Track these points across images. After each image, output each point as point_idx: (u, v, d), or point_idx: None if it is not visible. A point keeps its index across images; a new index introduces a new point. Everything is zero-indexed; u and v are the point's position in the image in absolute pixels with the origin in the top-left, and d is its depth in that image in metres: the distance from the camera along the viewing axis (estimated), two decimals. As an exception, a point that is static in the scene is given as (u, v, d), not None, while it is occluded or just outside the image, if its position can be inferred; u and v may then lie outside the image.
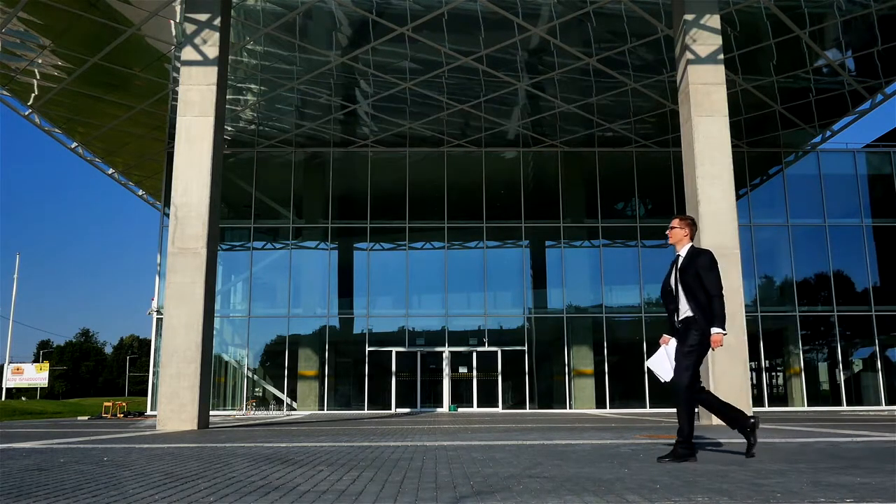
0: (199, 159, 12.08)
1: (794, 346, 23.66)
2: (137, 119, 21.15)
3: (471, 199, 24.05)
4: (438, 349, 23.35)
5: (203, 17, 12.52)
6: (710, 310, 5.10)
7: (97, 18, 15.66)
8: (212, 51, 12.42)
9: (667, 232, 5.50)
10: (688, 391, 5.08)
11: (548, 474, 4.23)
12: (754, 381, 23.35)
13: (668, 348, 5.39)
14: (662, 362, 5.37)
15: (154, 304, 23.37)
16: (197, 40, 12.45)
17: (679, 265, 5.33)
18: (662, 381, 5.39)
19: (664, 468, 4.56)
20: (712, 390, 11.79)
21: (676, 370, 5.14)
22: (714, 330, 5.06)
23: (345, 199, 24.89)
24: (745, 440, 5.23)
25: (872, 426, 10.30)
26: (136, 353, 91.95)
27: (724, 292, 5.17)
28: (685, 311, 5.22)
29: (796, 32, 16.70)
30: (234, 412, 22.52)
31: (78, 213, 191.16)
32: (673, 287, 5.35)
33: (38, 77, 18.49)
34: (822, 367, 24.57)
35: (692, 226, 5.46)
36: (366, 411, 22.43)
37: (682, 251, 5.39)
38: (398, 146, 23.94)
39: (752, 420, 5.21)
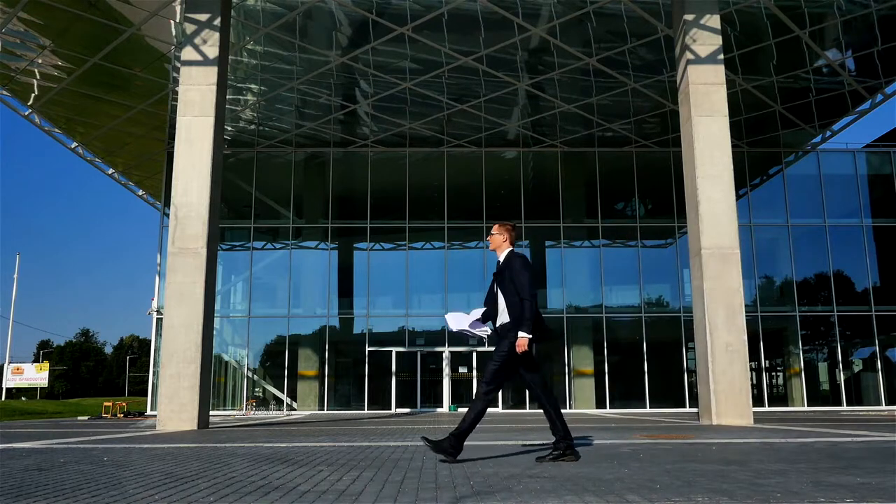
0: (199, 159, 12.08)
1: (794, 346, 23.66)
2: (137, 119, 21.14)
3: (471, 199, 24.04)
4: (438, 349, 23.35)
5: (203, 17, 12.52)
6: (520, 313, 5.04)
7: (97, 18, 15.66)
8: (212, 51, 12.42)
9: (488, 238, 5.46)
10: (490, 397, 5.07)
11: (548, 474, 4.23)
12: (754, 381, 23.35)
13: (472, 316, 5.31)
14: (460, 319, 5.36)
15: (154, 304, 23.37)
16: (197, 40, 12.45)
17: (498, 268, 5.30)
18: (449, 328, 5.37)
19: (664, 468, 4.56)
20: (712, 391, 11.81)
21: (492, 368, 5.11)
22: (520, 333, 4.99)
23: (345, 199, 24.89)
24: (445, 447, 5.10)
25: (872, 426, 10.30)
26: (136, 353, 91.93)
27: (535, 298, 5.10)
28: (503, 317, 5.18)
29: (796, 32, 16.70)
30: (234, 412, 22.52)
31: (78, 213, 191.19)
32: (494, 293, 5.31)
33: (38, 77, 18.49)
34: (822, 367, 24.57)
35: (512, 231, 5.41)
36: (366, 411, 22.43)
37: (501, 256, 5.35)
38: (398, 146, 23.94)
39: (566, 453, 5.12)
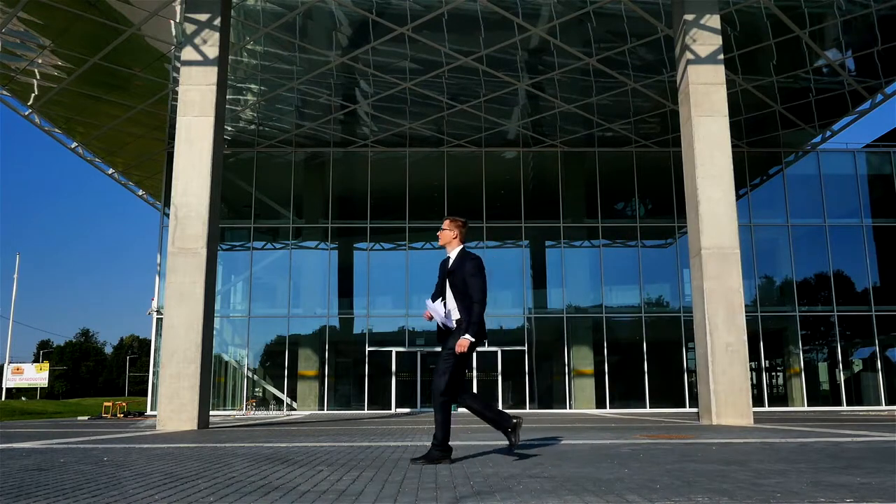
0: (199, 159, 12.08)
1: (794, 346, 23.66)
2: (137, 119, 21.14)
3: (471, 199, 24.04)
4: (438, 349, 23.26)
5: (203, 17, 12.52)
6: (468, 316, 5.00)
7: (97, 18, 15.66)
8: (212, 51, 12.42)
9: (438, 233, 5.33)
10: (443, 396, 5.00)
11: (548, 474, 4.23)
12: (754, 381, 23.35)
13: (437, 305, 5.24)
14: (437, 308, 5.30)
15: (154, 304, 23.37)
16: (197, 40, 12.45)
17: (448, 268, 5.19)
18: (428, 314, 5.28)
19: (664, 468, 4.56)
20: (712, 391, 11.81)
21: (435, 375, 5.07)
22: (465, 336, 4.95)
23: (345, 199, 24.89)
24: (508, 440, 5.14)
25: (872, 426, 10.30)
26: (136, 353, 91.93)
27: (485, 300, 5.06)
28: (452, 314, 5.13)
29: (796, 32, 16.70)
30: (234, 412, 22.52)
31: (78, 213, 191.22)
32: (443, 289, 5.22)
33: (38, 77, 18.49)
34: (822, 367, 24.57)
35: (462, 227, 5.30)
36: (366, 411, 22.43)
37: (452, 254, 5.24)
38: (398, 146, 23.94)
39: (515, 421, 5.15)
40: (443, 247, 5.36)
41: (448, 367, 5.01)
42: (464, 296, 5.07)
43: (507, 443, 5.64)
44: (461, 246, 5.27)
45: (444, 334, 5.16)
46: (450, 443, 5.09)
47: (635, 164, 24.17)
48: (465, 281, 5.06)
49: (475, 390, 23.13)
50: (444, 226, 5.29)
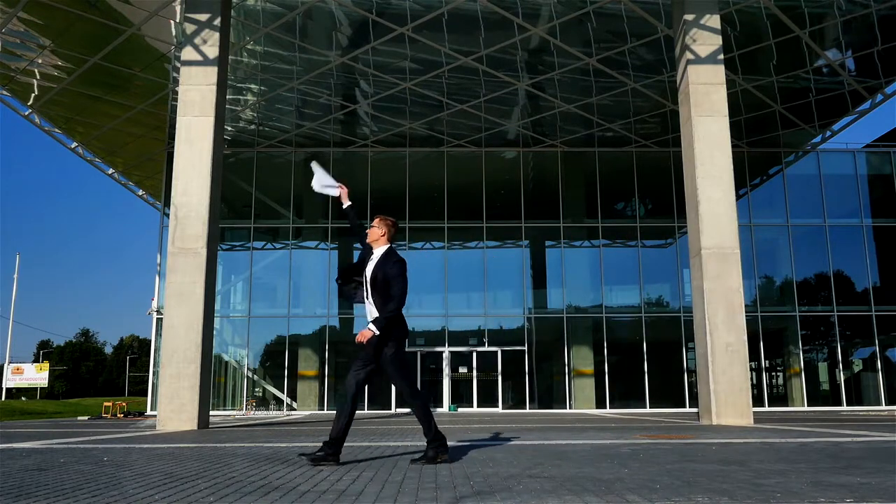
0: (199, 159, 12.07)
1: (794, 346, 23.66)
2: (137, 119, 21.15)
3: (471, 199, 24.04)
4: (438, 349, 23.35)
5: (203, 17, 12.52)
6: (382, 311, 5.03)
7: (97, 18, 15.66)
8: (212, 51, 12.42)
9: (367, 230, 5.34)
10: (412, 399, 5.06)
11: (548, 474, 4.23)
12: (754, 381, 23.35)
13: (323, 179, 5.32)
14: (323, 178, 5.33)
15: (154, 304, 23.37)
16: (197, 40, 12.45)
17: (373, 265, 5.20)
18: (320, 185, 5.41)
19: (664, 468, 4.56)
20: (712, 391, 11.80)
21: (397, 380, 5.09)
22: (370, 325, 5.00)
23: (345, 199, 24.85)
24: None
25: (872, 426, 10.30)
26: (136, 353, 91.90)
27: (403, 299, 5.09)
28: (372, 311, 5.16)
29: (796, 32, 16.70)
30: (234, 412, 22.52)
31: (78, 213, 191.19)
32: (364, 284, 5.25)
33: (38, 77, 18.49)
34: (822, 367, 24.57)
35: (391, 227, 5.30)
36: (366, 411, 22.42)
37: (378, 251, 5.24)
38: (398, 146, 23.94)
39: (331, 451, 4.91)
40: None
41: (395, 371, 5.06)
42: (384, 295, 5.09)
43: (507, 442, 5.64)
44: (388, 245, 5.28)
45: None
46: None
47: (635, 164, 24.17)
48: (386, 281, 5.08)
49: (475, 390, 23.18)
50: (373, 223, 5.30)
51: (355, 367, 5.11)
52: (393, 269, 5.10)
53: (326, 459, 4.87)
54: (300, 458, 5.06)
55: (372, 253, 5.27)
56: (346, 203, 5.74)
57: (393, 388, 22.95)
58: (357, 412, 22.75)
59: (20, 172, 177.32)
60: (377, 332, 5.00)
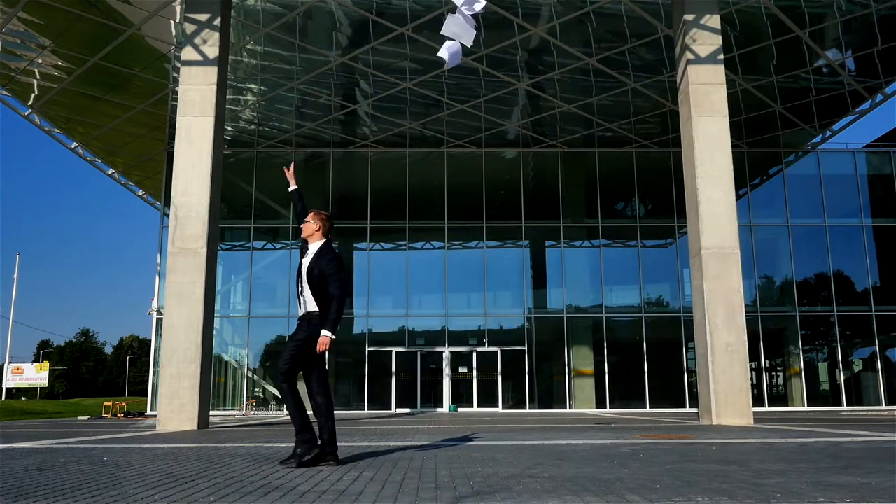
0: (199, 159, 12.08)
1: (794, 346, 23.66)
2: (137, 119, 21.14)
3: (471, 199, 24.04)
4: (438, 349, 23.35)
5: (203, 17, 12.52)
6: (328, 311, 4.97)
7: (97, 18, 15.66)
8: (212, 51, 12.42)
9: (301, 225, 5.29)
10: (286, 381, 4.93)
11: (548, 474, 4.23)
12: (754, 381, 23.35)
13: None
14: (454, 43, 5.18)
15: (154, 304, 23.37)
16: (197, 40, 12.45)
17: (309, 260, 5.14)
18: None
19: (664, 468, 4.56)
20: (712, 391, 11.81)
21: (280, 358, 5.03)
22: (324, 332, 4.90)
23: (345, 199, 24.88)
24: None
25: (872, 426, 10.30)
26: (136, 353, 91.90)
27: (345, 297, 5.02)
28: (308, 305, 5.08)
29: (796, 32, 16.70)
30: (233, 412, 22.52)
31: (78, 213, 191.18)
32: (299, 278, 5.19)
33: (38, 77, 18.49)
34: (822, 367, 24.56)
35: (326, 221, 5.25)
36: (366, 411, 22.42)
37: (313, 246, 5.20)
38: (398, 146, 23.93)
39: (310, 437, 4.92)
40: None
41: (291, 355, 4.97)
42: (320, 291, 5.03)
43: (507, 442, 5.63)
44: (323, 240, 5.23)
45: (299, 323, 5.12)
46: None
47: (635, 164, 24.17)
48: (322, 276, 5.03)
49: (475, 390, 23.18)
50: (308, 218, 5.27)
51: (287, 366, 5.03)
52: (329, 266, 5.05)
53: (322, 458, 4.86)
54: (283, 464, 4.93)
55: (307, 247, 5.23)
56: (293, 186, 5.72)
57: (393, 388, 23.04)
58: (357, 412, 22.67)
59: (20, 172, 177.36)
60: (334, 336, 4.95)
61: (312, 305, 5.06)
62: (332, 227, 5.33)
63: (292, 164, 5.95)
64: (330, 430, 4.99)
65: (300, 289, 5.15)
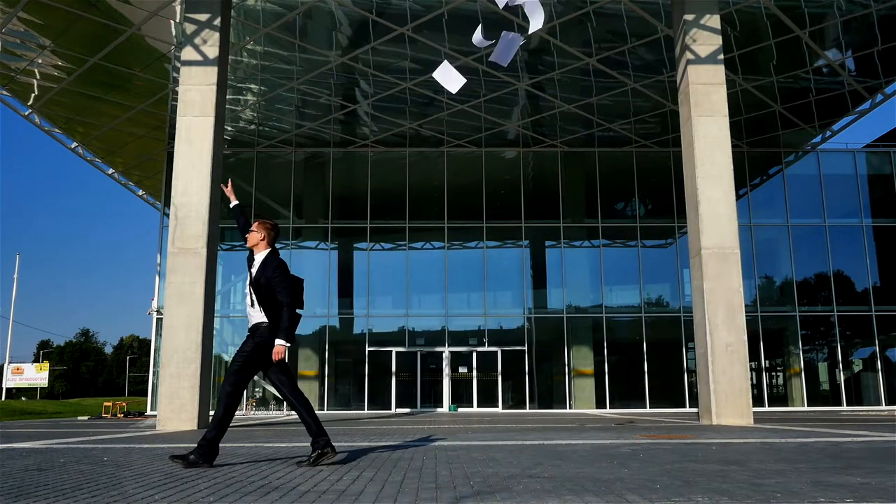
0: (199, 159, 12.08)
1: (794, 346, 23.65)
2: (137, 119, 21.14)
3: (471, 199, 24.04)
4: (438, 349, 23.35)
5: (203, 17, 12.52)
6: (278, 320, 4.93)
7: (97, 18, 15.66)
8: (212, 51, 12.43)
9: (246, 235, 5.29)
10: (228, 398, 4.90)
11: (548, 474, 4.23)
12: (754, 381, 23.34)
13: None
14: (447, 72, 5.22)
15: (154, 304, 23.37)
16: (197, 40, 12.45)
17: (255, 271, 5.12)
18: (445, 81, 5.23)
19: (663, 468, 4.56)
20: (712, 391, 11.81)
21: (226, 375, 4.99)
22: (277, 341, 4.89)
23: (345, 199, 24.88)
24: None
25: (872, 426, 10.30)
26: (136, 353, 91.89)
27: (294, 304, 5.01)
28: (255, 316, 5.06)
29: (796, 32, 16.70)
30: (234, 412, 22.49)
31: (78, 213, 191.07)
32: (248, 289, 5.17)
33: (38, 77, 18.49)
34: (822, 367, 24.56)
35: (271, 230, 5.24)
36: (366, 411, 22.42)
37: (258, 256, 5.19)
38: (398, 146, 23.94)
39: (204, 449, 4.89)
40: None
41: (236, 369, 4.95)
42: (268, 301, 5.01)
43: (507, 442, 5.63)
44: (269, 249, 5.21)
45: (250, 334, 5.09)
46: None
47: (635, 164, 24.17)
48: (269, 286, 5.01)
49: (475, 390, 23.19)
50: (252, 228, 5.26)
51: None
52: (275, 274, 5.03)
53: (325, 454, 4.86)
54: (300, 465, 4.93)
55: (254, 257, 5.21)
56: (234, 202, 5.74)
57: (393, 388, 23.04)
58: (357, 412, 22.67)
59: (20, 172, 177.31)
60: (289, 344, 4.95)
61: (260, 316, 5.03)
62: (277, 236, 5.30)
63: (230, 182, 5.98)
64: (311, 425, 4.97)
65: (249, 300, 5.12)
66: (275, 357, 4.90)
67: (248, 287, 5.17)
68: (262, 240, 5.22)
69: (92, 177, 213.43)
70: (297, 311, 5.14)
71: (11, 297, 51.42)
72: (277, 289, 5.00)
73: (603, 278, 23.81)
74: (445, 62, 5.49)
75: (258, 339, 4.98)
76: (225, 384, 4.99)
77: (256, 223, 5.27)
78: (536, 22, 5.28)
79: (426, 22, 16.00)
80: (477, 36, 5.35)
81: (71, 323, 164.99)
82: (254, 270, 5.13)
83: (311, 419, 4.98)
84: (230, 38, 14.07)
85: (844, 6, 16.07)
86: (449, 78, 5.30)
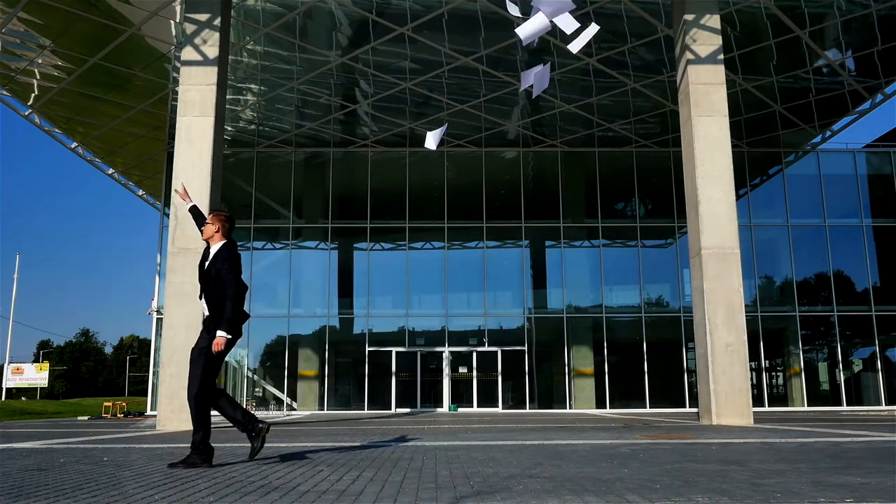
0: (199, 159, 12.08)
1: (794, 346, 23.65)
2: (137, 119, 21.14)
3: (471, 199, 24.04)
4: (438, 349, 23.35)
5: (203, 17, 12.52)
6: (222, 311, 4.85)
7: (97, 18, 15.66)
8: (212, 51, 12.42)
9: (202, 228, 5.20)
10: (197, 399, 4.82)
11: (548, 474, 4.23)
12: (754, 381, 23.34)
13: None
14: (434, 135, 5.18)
15: (154, 304, 23.36)
16: (197, 40, 12.45)
17: (208, 262, 5.04)
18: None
19: (663, 468, 4.56)
20: (711, 391, 11.80)
21: (189, 379, 4.89)
22: (218, 332, 4.78)
23: (345, 199, 24.89)
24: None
25: (872, 426, 10.30)
26: (136, 353, 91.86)
27: (239, 295, 4.90)
28: (207, 309, 4.99)
29: (796, 32, 16.70)
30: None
31: (78, 214, 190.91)
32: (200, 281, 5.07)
33: (38, 77, 18.49)
34: (822, 367, 24.56)
35: (226, 222, 5.16)
36: (366, 411, 22.42)
37: (213, 248, 5.09)
38: (398, 146, 23.94)
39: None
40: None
41: (200, 370, 4.84)
42: (216, 293, 4.92)
43: (507, 442, 5.63)
44: (224, 241, 5.14)
45: (205, 329, 5.02)
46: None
47: (635, 164, 24.17)
48: (219, 277, 4.92)
49: (475, 390, 23.19)
50: (208, 220, 5.19)
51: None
52: (224, 266, 4.95)
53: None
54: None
55: (209, 250, 5.12)
56: (190, 203, 5.71)
57: (393, 388, 23.04)
58: (357, 412, 22.67)
59: (20, 172, 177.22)
60: (230, 336, 4.85)
61: (207, 311, 4.96)
62: (232, 227, 5.22)
63: (181, 185, 5.97)
64: (238, 417, 4.99)
65: (199, 295, 5.04)
66: (214, 348, 4.77)
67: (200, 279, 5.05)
68: (217, 231, 5.13)
69: (92, 177, 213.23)
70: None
71: (11, 297, 51.42)
72: (225, 280, 4.89)
73: (603, 278, 23.82)
74: (438, 131, 5.53)
75: (212, 333, 4.88)
76: (189, 390, 4.87)
77: (211, 215, 5.20)
78: (572, 33, 5.22)
79: (426, 22, 15.99)
80: (525, 30, 5.29)
81: (71, 323, 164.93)
82: (207, 262, 5.03)
83: (240, 411, 4.98)
84: (230, 38, 14.07)
85: (844, 6, 16.07)
86: (432, 138, 5.34)
